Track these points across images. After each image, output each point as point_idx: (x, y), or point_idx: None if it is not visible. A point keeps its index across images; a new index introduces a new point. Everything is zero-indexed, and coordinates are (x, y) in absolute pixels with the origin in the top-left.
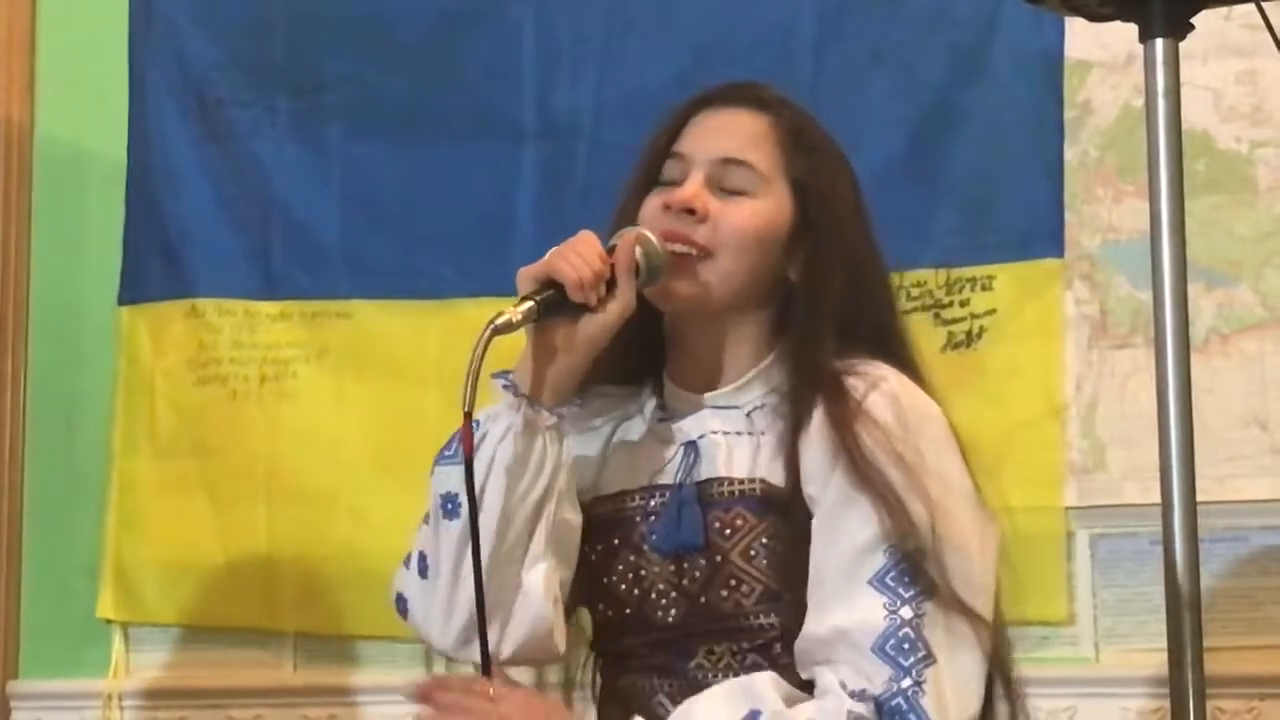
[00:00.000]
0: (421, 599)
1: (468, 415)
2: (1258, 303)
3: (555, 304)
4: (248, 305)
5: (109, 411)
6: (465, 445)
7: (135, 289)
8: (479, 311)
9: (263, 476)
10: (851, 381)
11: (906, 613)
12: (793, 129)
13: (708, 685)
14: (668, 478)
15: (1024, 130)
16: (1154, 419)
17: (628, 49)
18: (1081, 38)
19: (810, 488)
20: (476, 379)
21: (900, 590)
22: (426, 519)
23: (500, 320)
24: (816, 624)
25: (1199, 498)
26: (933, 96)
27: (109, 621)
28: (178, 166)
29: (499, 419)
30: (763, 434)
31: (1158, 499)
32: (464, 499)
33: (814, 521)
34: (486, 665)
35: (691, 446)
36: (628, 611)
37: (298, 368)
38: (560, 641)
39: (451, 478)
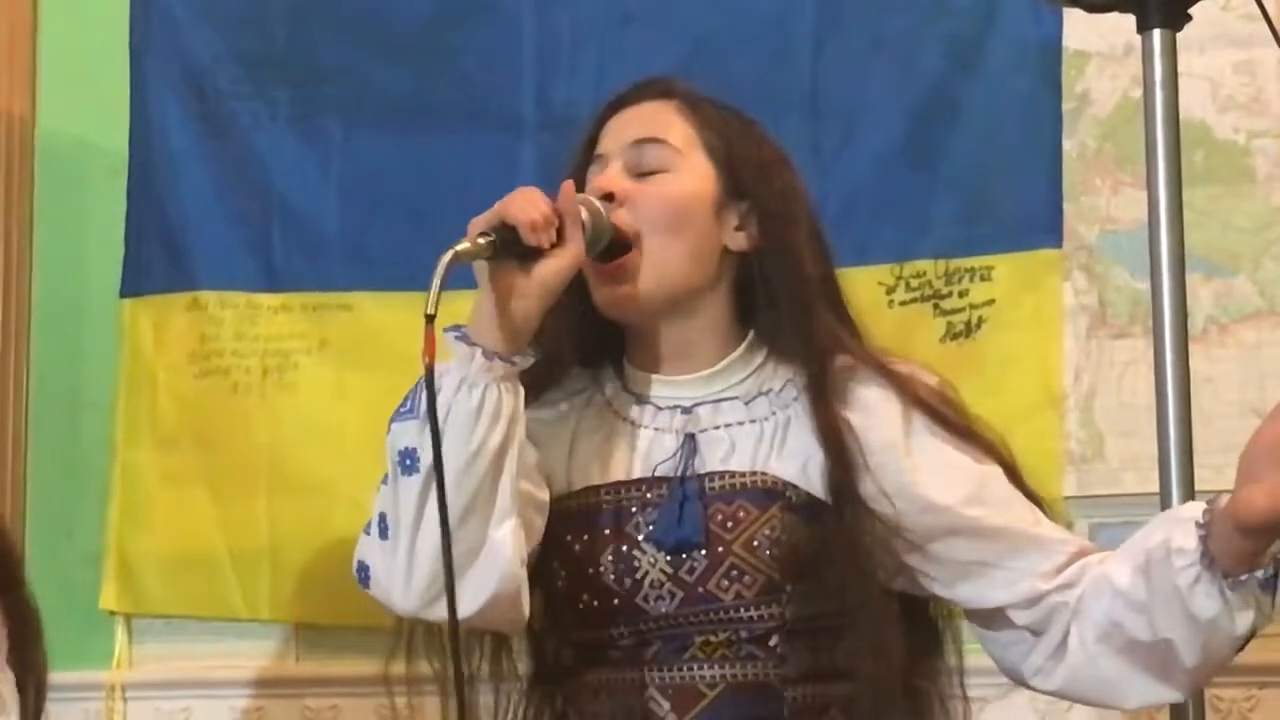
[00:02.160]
0: (383, 561)
1: (429, 318)
2: (1255, 293)
3: (509, 244)
4: (249, 297)
5: (111, 404)
6: (427, 350)
7: (137, 281)
8: None
9: (264, 468)
10: (901, 366)
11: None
12: (700, 105)
13: (700, 678)
14: (667, 470)
15: (1022, 121)
16: (1152, 409)
17: (627, 40)
18: (1080, 28)
19: (897, 460)
20: (438, 293)
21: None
22: (385, 481)
23: (461, 247)
24: (1046, 561)
25: (1197, 487)
26: (931, 87)
27: (112, 613)
28: (179, 159)
29: (451, 372)
30: (765, 420)
31: (1156, 489)
32: (422, 452)
33: (925, 496)
34: (453, 609)
35: (690, 439)
36: (615, 602)
37: (299, 359)
38: (525, 609)
39: (408, 432)
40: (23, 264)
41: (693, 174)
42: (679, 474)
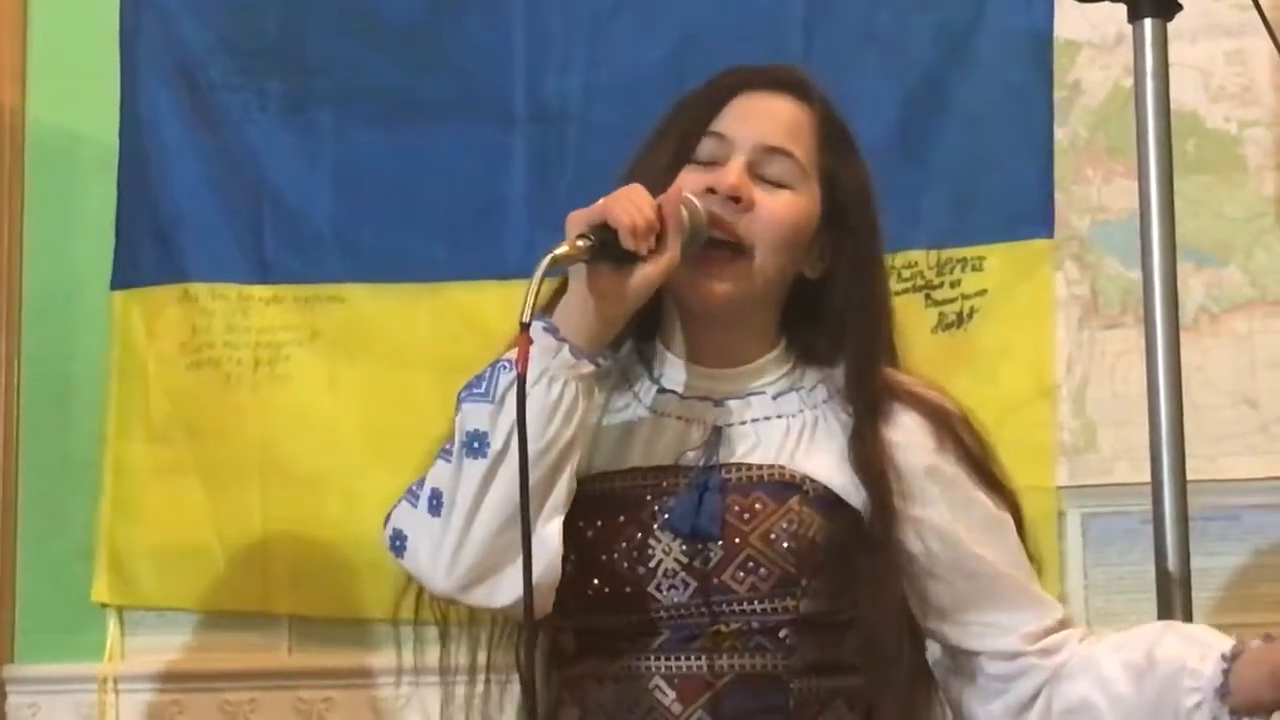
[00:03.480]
0: (429, 537)
1: (525, 326)
2: (1247, 282)
3: (607, 247)
4: (240, 289)
5: (103, 396)
6: (520, 359)
7: (128, 274)
8: (471, 295)
9: (256, 460)
10: (939, 399)
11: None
12: (829, 123)
13: (708, 668)
14: (690, 460)
15: (1014, 111)
16: (1144, 398)
17: (618, 32)
18: (1071, 18)
19: (926, 488)
20: (535, 299)
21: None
22: (445, 455)
23: (560, 251)
24: (1039, 620)
25: (1189, 476)
26: (923, 77)
27: (104, 605)
28: (170, 151)
29: (534, 361)
30: (793, 417)
31: (1148, 478)
32: (493, 438)
33: (946, 528)
34: (530, 600)
35: (717, 432)
36: (627, 589)
37: (290, 351)
38: (552, 601)
39: (480, 415)
40: (13, 256)
41: (809, 199)
42: (701, 465)
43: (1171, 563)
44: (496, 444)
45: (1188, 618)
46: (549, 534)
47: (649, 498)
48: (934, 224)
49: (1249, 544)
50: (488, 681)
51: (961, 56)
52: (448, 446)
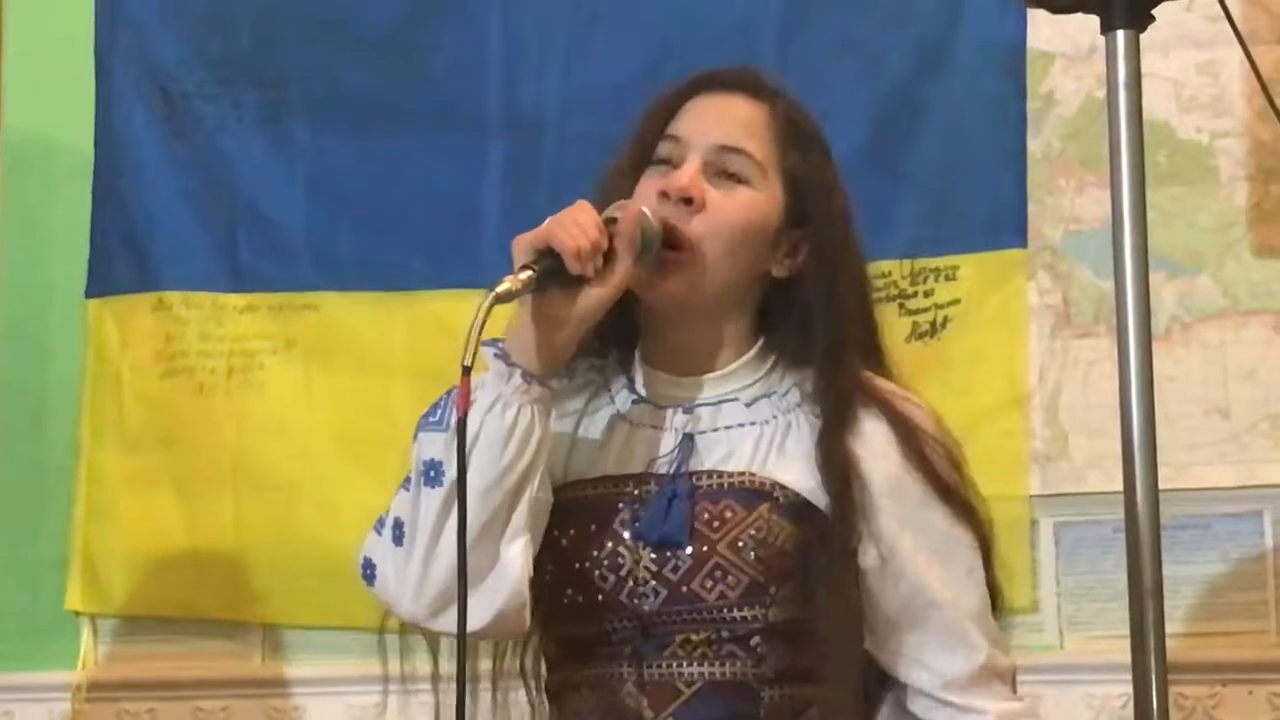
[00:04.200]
0: (394, 566)
1: (466, 370)
2: (1219, 292)
3: (553, 273)
4: (215, 298)
5: (76, 404)
6: (460, 403)
7: (102, 282)
8: (446, 304)
9: (230, 468)
10: (909, 408)
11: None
12: (789, 120)
13: (679, 675)
14: (661, 468)
15: (987, 121)
16: (1116, 408)
17: (593, 42)
18: (1044, 29)
19: (878, 493)
20: (477, 344)
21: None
22: (406, 485)
23: (501, 289)
24: (963, 664)
25: (1161, 485)
26: (897, 88)
27: (77, 613)
28: (144, 160)
29: (487, 388)
30: (766, 423)
31: (1120, 487)
32: (448, 467)
33: (905, 539)
34: (463, 628)
35: (689, 440)
36: (599, 598)
37: (265, 359)
38: (528, 620)
39: (435, 444)
40: None
41: (767, 197)
42: (671, 472)
43: (1143, 571)
44: (451, 472)
45: (1159, 625)
46: (510, 558)
47: (620, 505)
48: (908, 233)
49: (1220, 552)
50: (495, 690)
51: (935, 67)
52: (409, 476)
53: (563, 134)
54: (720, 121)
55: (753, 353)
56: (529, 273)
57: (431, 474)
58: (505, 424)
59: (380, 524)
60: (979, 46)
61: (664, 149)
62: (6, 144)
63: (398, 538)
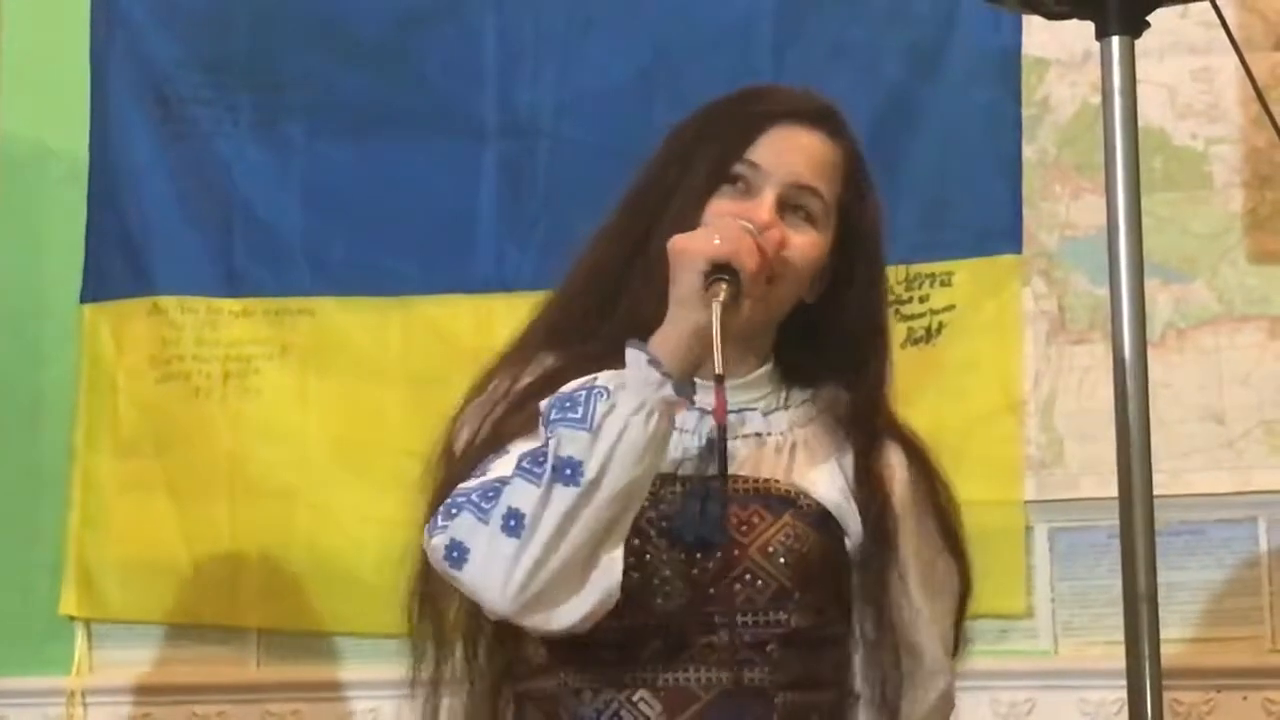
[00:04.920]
0: (500, 555)
1: (719, 378)
2: (1213, 298)
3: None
4: (210, 303)
5: (71, 409)
6: (719, 413)
7: (97, 287)
8: (440, 308)
9: (225, 473)
10: (924, 446)
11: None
12: (854, 160)
13: (696, 680)
14: (688, 469)
15: (983, 127)
16: (1111, 414)
17: (588, 47)
18: (1039, 36)
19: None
20: (720, 352)
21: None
22: (527, 474)
23: (723, 298)
24: (926, 693)
25: (1156, 491)
26: (892, 94)
27: (72, 618)
28: (140, 165)
29: (629, 391)
30: (783, 434)
31: (1115, 493)
32: (587, 468)
33: (913, 574)
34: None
35: (713, 444)
36: (622, 595)
37: (260, 365)
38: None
39: (578, 443)
40: None
41: (826, 238)
42: (698, 474)
43: (1138, 577)
44: (590, 473)
45: (1154, 631)
46: (612, 559)
47: (646, 504)
48: (903, 240)
49: (1215, 558)
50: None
51: (931, 74)
52: (526, 465)
53: (557, 139)
54: (799, 157)
55: (768, 367)
56: (727, 283)
57: (568, 472)
58: (649, 431)
59: (478, 508)
60: (974, 52)
61: (741, 171)
62: (2, 149)
63: (512, 528)
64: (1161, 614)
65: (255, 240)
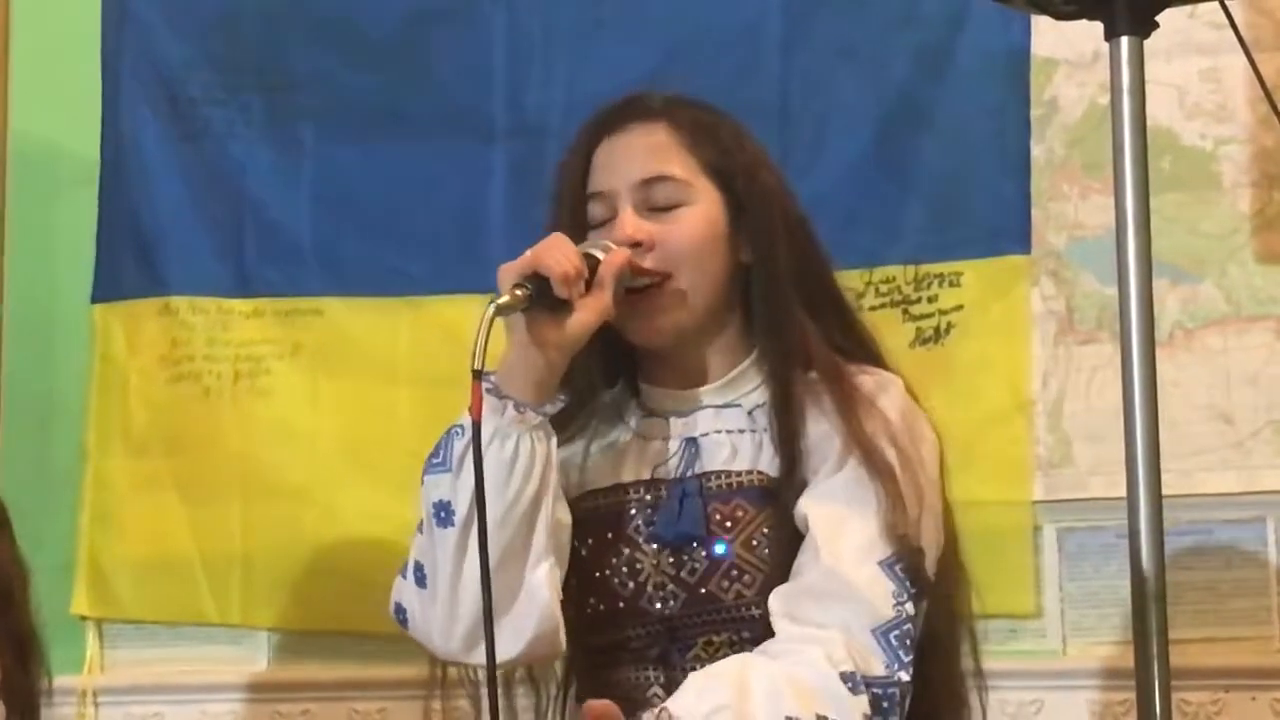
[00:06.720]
0: (421, 608)
1: (476, 374)
2: (1221, 298)
3: (542, 295)
4: (221, 303)
5: (83, 409)
6: (475, 407)
7: (109, 287)
8: (451, 309)
9: (237, 473)
10: (861, 378)
11: (909, 609)
12: (691, 124)
13: None
14: (667, 472)
15: (991, 128)
16: (1120, 414)
17: (599, 48)
18: (1048, 36)
19: (813, 461)
20: (485, 351)
21: (906, 584)
22: (420, 528)
23: (501, 301)
24: (822, 580)
25: (1164, 492)
26: (900, 94)
27: (83, 618)
28: (151, 165)
29: (485, 421)
30: (765, 430)
31: (1124, 493)
32: (457, 506)
33: (813, 493)
34: (492, 667)
35: (692, 443)
36: (621, 605)
37: (271, 365)
38: (563, 642)
39: (442, 485)
40: None
41: (705, 202)
42: (679, 474)
43: (1147, 577)
44: (461, 510)
45: (1162, 632)
46: (537, 583)
47: (633, 511)
48: (911, 240)
49: (1224, 558)
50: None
51: (939, 74)
52: (422, 520)
53: (567, 140)
54: (630, 159)
55: (749, 361)
56: (524, 289)
57: (442, 514)
58: (506, 455)
59: (404, 568)
60: (982, 53)
61: (594, 210)
62: (13, 149)
63: (420, 580)
64: (1170, 614)
65: (266, 240)
